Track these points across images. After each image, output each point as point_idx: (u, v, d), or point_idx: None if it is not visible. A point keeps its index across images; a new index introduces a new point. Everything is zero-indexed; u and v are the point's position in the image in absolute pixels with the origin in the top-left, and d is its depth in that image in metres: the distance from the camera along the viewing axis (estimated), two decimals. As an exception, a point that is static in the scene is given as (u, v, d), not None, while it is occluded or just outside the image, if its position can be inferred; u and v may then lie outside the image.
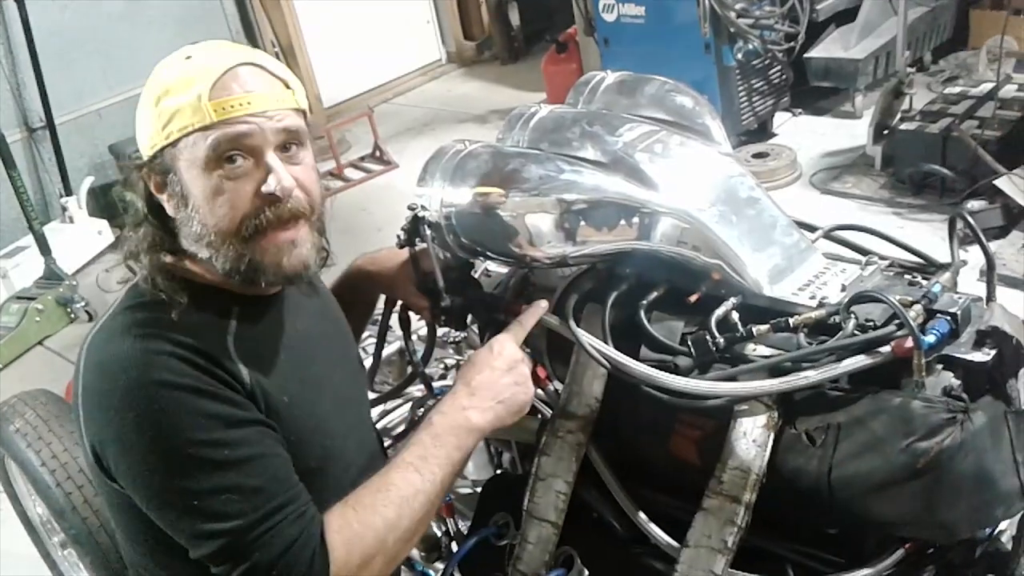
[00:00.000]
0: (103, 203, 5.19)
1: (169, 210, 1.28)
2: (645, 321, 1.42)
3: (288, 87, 1.27)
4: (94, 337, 1.28)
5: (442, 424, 1.32)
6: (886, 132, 4.05)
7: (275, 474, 1.21)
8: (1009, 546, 1.37)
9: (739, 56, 4.35)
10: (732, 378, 1.30)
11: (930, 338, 1.20)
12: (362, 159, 5.62)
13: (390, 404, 2.06)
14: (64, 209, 4.94)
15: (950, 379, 1.23)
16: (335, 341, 1.52)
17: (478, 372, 1.36)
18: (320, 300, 1.53)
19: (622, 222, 1.40)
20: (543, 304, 1.46)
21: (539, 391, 1.50)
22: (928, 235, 3.45)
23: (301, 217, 1.27)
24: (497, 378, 1.36)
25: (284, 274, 1.28)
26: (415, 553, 1.99)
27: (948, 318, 1.24)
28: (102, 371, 1.22)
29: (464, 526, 1.85)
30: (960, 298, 1.27)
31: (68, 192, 4.98)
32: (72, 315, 4.38)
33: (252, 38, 5.93)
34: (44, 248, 4.49)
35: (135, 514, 1.25)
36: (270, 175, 1.23)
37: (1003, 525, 1.38)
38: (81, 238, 4.92)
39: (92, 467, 1.27)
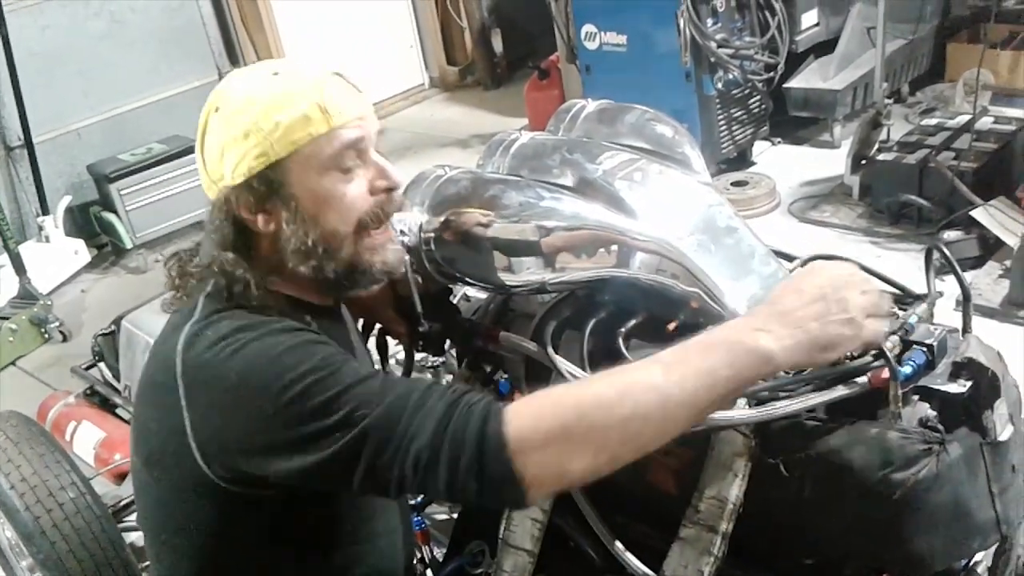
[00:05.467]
0: (80, 223, 5.16)
1: (267, 227, 1.26)
2: (623, 348, 1.41)
3: (360, 92, 1.31)
4: (184, 346, 1.21)
5: (719, 335, 1.12)
6: (864, 162, 4.09)
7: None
8: (985, 578, 1.37)
9: (719, 85, 4.39)
10: (710, 407, 1.29)
11: (906, 369, 1.21)
12: (343, 182, 5.61)
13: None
14: (40, 228, 4.88)
15: (926, 410, 1.24)
16: (363, 357, 1.54)
17: (783, 293, 1.15)
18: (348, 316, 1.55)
19: (601, 249, 1.40)
20: None
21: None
22: (905, 264, 3.48)
23: (391, 216, 1.33)
24: (805, 302, 1.12)
25: (385, 271, 1.32)
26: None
27: (924, 349, 1.24)
28: (211, 365, 1.17)
29: (440, 554, 1.83)
30: (936, 329, 1.28)
31: (45, 211, 4.92)
32: (46, 335, 4.31)
33: (234, 60, 5.90)
34: (19, 267, 4.43)
35: (220, 528, 1.25)
36: (384, 171, 1.29)
37: (979, 556, 1.37)
38: (57, 258, 4.86)
39: (194, 479, 1.20)
